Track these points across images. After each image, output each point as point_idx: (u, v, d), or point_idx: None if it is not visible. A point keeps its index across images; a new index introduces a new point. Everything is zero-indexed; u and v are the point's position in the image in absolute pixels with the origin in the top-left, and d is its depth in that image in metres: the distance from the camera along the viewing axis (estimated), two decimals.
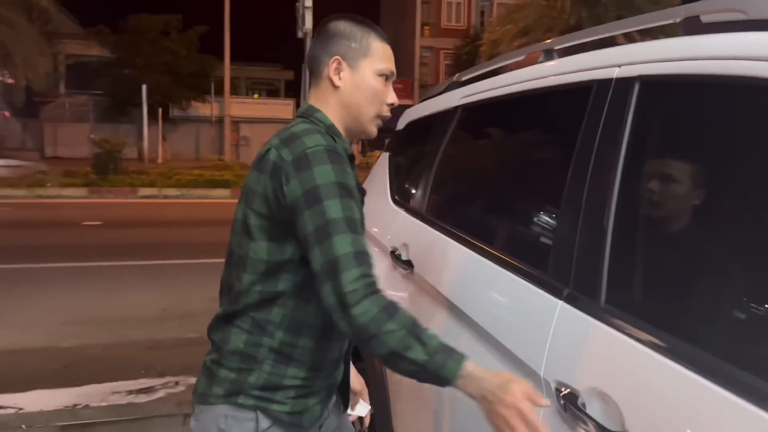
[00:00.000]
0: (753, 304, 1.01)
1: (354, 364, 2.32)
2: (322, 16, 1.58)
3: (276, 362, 1.38)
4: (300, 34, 12.67)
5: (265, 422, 1.38)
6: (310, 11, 12.52)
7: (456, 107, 2.25)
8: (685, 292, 1.14)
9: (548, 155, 1.71)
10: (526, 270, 1.49)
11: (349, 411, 1.71)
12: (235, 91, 32.80)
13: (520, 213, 1.79)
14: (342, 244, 1.23)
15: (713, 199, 1.15)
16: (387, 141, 3.13)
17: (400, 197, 2.53)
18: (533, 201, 1.73)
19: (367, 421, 1.82)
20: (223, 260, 1.46)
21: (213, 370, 1.42)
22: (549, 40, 1.83)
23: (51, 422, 3.28)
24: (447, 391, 1.71)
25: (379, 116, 1.47)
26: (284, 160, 1.30)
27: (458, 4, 33.22)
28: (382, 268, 2.37)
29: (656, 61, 1.25)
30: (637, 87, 1.28)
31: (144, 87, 19.35)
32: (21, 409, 3.43)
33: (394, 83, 1.49)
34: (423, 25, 33.18)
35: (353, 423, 1.74)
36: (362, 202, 1.44)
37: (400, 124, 2.88)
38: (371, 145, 27.79)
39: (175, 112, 30.79)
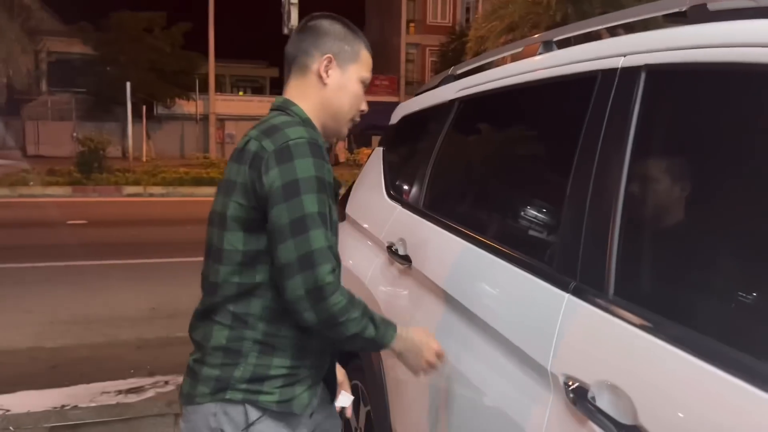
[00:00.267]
0: (761, 292, 1.00)
1: (350, 361, 2.30)
2: (307, 12, 1.63)
3: (261, 353, 1.41)
4: (285, 31, 12.60)
5: (254, 414, 1.40)
6: (296, 8, 12.51)
7: (453, 100, 2.22)
8: (696, 282, 1.12)
9: (552, 147, 1.69)
10: (531, 263, 1.47)
11: None
12: (219, 88, 32.63)
13: (525, 206, 1.77)
14: (319, 238, 1.30)
15: (722, 189, 1.14)
16: (379, 138, 3.11)
17: (396, 192, 2.50)
18: (538, 194, 1.71)
19: (348, 412, 1.82)
20: None
21: (196, 369, 1.44)
22: (549, 31, 1.81)
23: (39, 424, 3.23)
24: (445, 388, 1.72)
25: (352, 120, 1.56)
26: (265, 150, 1.33)
27: (443, 0, 33.22)
28: (377, 263, 2.34)
29: (663, 49, 1.23)
30: (643, 76, 1.26)
31: (128, 84, 19.11)
32: (8, 410, 3.37)
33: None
34: (408, 21, 33.08)
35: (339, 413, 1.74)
36: (337, 195, 1.50)
37: (394, 119, 2.85)
38: (358, 142, 27.76)
39: (159, 110, 30.46)
